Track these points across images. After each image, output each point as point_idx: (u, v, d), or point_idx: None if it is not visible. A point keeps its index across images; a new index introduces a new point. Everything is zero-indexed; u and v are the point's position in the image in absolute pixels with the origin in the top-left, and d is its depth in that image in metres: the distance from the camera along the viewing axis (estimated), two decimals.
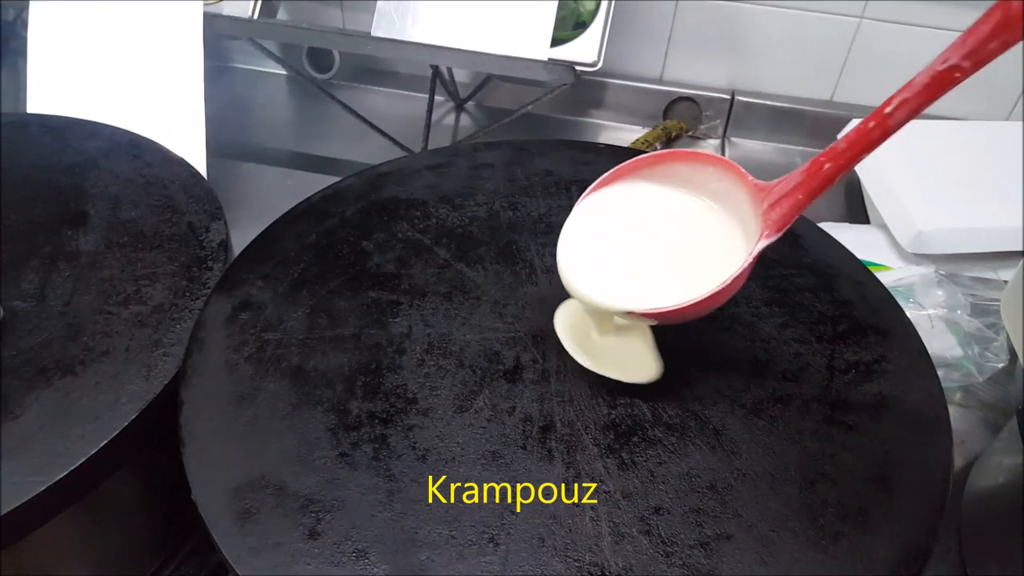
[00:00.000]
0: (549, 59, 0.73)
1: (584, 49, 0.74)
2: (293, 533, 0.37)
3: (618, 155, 0.60)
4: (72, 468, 0.41)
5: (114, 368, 0.46)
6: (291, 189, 0.84)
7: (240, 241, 0.54)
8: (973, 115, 0.91)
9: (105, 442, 0.42)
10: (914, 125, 0.81)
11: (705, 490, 0.39)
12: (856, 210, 0.88)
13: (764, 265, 0.51)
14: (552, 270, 0.50)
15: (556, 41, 0.75)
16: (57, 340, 0.47)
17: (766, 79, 0.96)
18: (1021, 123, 0.87)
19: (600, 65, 0.75)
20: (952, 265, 0.75)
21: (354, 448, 0.40)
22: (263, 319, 0.47)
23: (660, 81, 0.98)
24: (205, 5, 0.73)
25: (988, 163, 0.83)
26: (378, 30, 0.75)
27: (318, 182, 0.89)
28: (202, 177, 0.59)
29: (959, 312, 0.64)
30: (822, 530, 0.37)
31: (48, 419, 0.43)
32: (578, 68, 0.73)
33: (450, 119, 0.99)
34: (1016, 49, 0.31)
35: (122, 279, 0.51)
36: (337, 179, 0.88)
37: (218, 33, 0.78)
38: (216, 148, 0.74)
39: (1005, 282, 0.69)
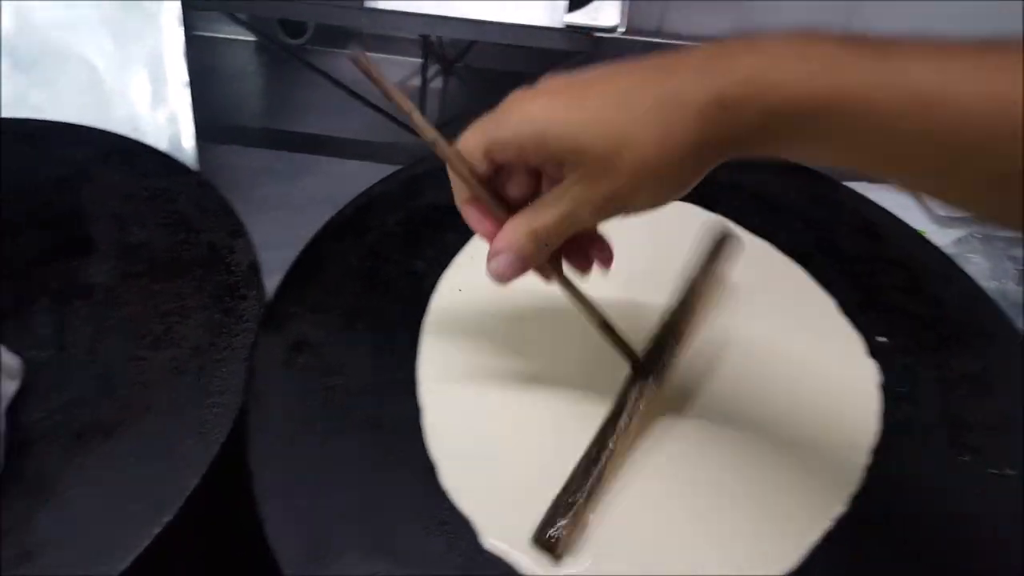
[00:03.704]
0: (567, 25, 0.68)
1: (604, 11, 0.69)
2: None
3: None
4: (138, 553, 0.37)
5: (160, 427, 0.41)
6: (283, 173, 0.78)
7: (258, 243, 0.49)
8: None
9: (168, 520, 0.38)
10: None
11: None
12: None
13: (848, 262, 0.49)
14: None
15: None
16: (89, 396, 0.42)
17: (770, 24, 0.91)
18: None
19: (622, 29, 0.70)
20: (985, 227, 0.74)
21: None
22: (323, 362, 0.43)
23: (658, 34, 0.93)
24: None
25: None
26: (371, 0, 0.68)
27: (310, 165, 0.84)
28: (211, 185, 0.53)
29: (1008, 283, 0.63)
30: None
31: (98, 495, 0.38)
32: (597, 35, 0.68)
33: (437, 83, 0.93)
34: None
35: (147, 316, 0.46)
36: (331, 160, 0.83)
37: (193, 7, 0.70)
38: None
39: None
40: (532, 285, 0.37)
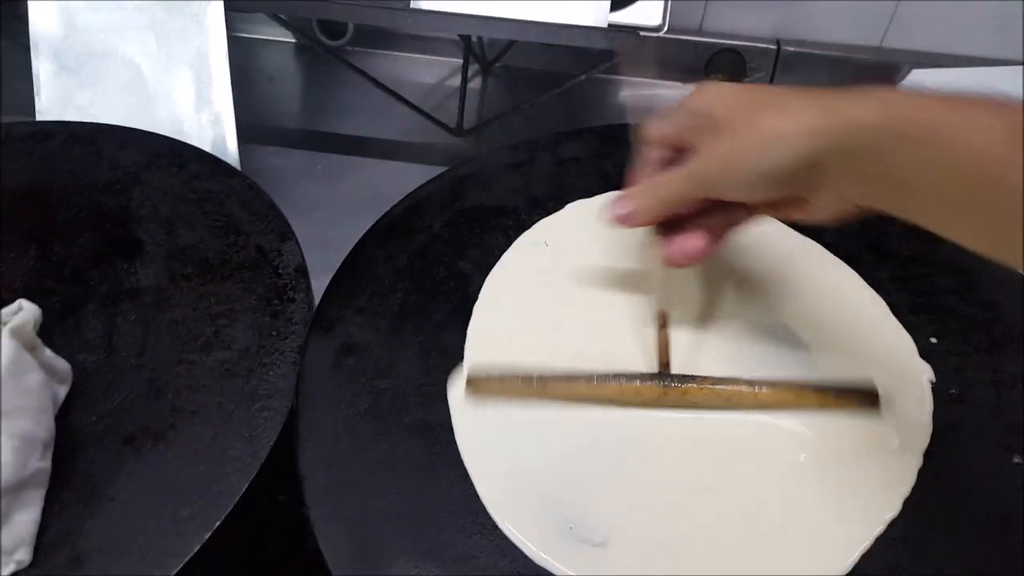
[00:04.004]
0: (610, 24, 0.67)
1: (647, 10, 0.68)
2: None
3: None
4: (188, 559, 0.36)
5: (209, 431, 0.41)
6: (324, 175, 0.78)
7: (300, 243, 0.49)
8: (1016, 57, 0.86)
9: (217, 525, 0.37)
10: (974, 73, 0.77)
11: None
12: None
13: (900, 264, 0.48)
14: None
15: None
16: (138, 400, 0.42)
17: (813, 24, 0.90)
18: None
19: (666, 29, 0.69)
20: None
21: None
22: (372, 364, 0.42)
23: (700, 32, 0.91)
24: None
25: None
26: (418, 0, 0.68)
27: (352, 165, 0.83)
28: (259, 188, 0.53)
29: None
30: None
31: (148, 499, 0.38)
32: (642, 33, 0.67)
33: (476, 83, 0.92)
34: None
35: (196, 319, 0.46)
36: (372, 161, 0.83)
37: (237, 10, 0.70)
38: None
39: None
40: (570, 293, 0.39)
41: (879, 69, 0.89)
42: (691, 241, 0.39)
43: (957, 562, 0.35)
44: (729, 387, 0.40)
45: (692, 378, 0.40)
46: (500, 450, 0.39)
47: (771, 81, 0.91)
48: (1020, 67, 0.84)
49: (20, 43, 0.67)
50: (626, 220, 0.40)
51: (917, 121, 0.31)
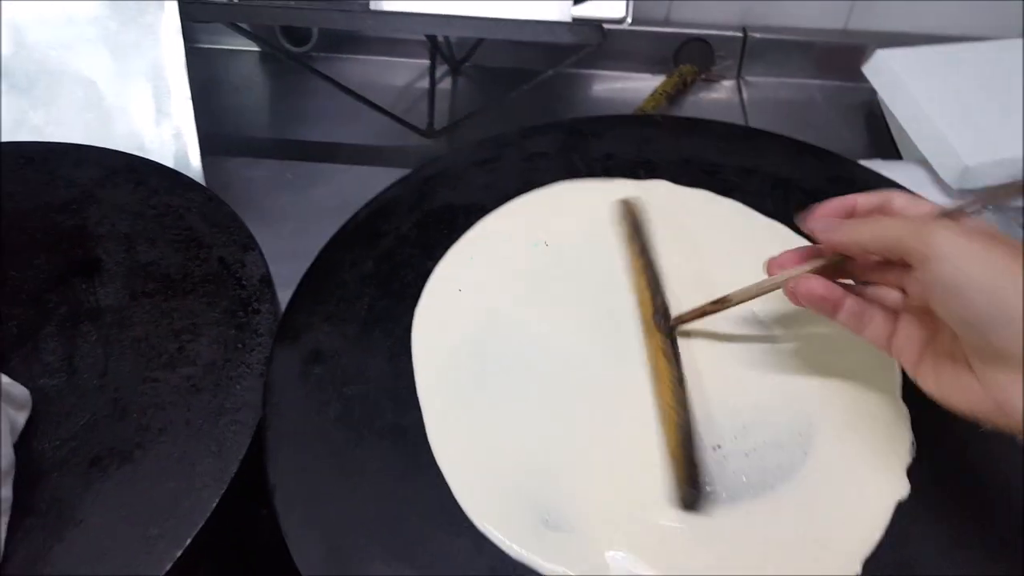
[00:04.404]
0: (574, 19, 0.66)
1: (610, 3, 0.67)
2: None
3: (680, 128, 0.55)
4: None
5: (177, 448, 0.40)
6: (294, 184, 0.77)
7: (267, 261, 0.48)
8: (979, 32, 0.86)
9: (189, 540, 0.36)
10: (939, 51, 0.76)
11: None
12: (880, 143, 0.84)
13: None
14: None
15: None
16: (103, 421, 0.41)
17: (777, 10, 0.90)
18: None
19: (630, 21, 0.68)
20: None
21: None
22: (340, 371, 0.41)
23: (667, 23, 0.91)
24: None
25: (1021, 85, 0.79)
26: (378, 2, 0.67)
27: (322, 173, 0.82)
28: (220, 200, 0.52)
29: None
30: None
31: (116, 520, 0.37)
32: (606, 26, 0.66)
33: (446, 84, 0.91)
34: None
35: (159, 336, 0.45)
36: (341, 168, 0.82)
37: (192, 20, 0.69)
38: (199, 144, 0.66)
39: None
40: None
41: (845, 51, 0.89)
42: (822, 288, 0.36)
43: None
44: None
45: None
46: (473, 449, 0.38)
47: (739, 69, 0.91)
48: (983, 42, 0.84)
49: None
50: (821, 232, 0.36)
51: None
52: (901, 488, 0.36)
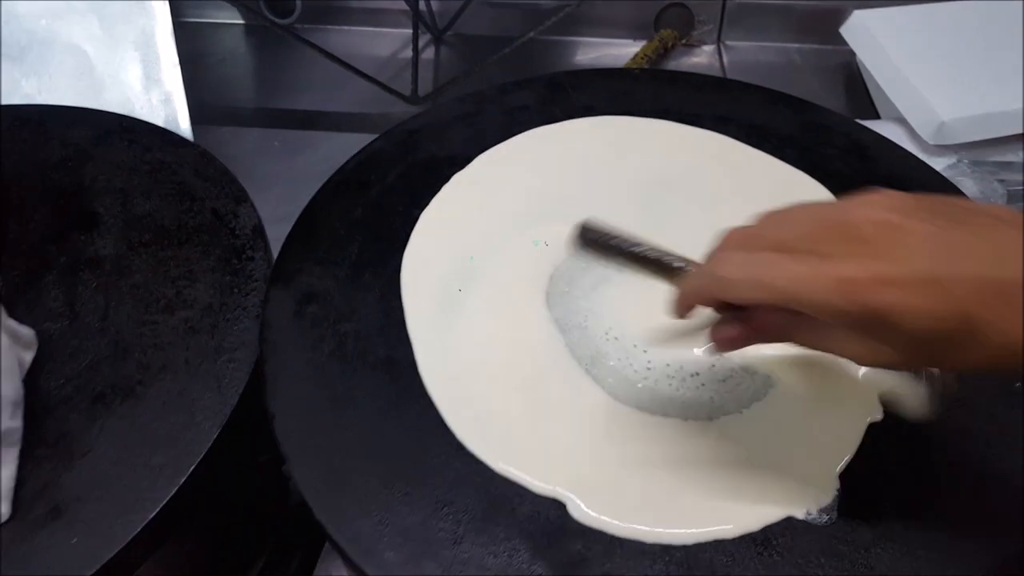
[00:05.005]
0: None
1: None
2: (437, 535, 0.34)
3: (658, 80, 0.57)
4: (165, 502, 0.37)
5: (177, 384, 0.42)
6: (282, 151, 0.78)
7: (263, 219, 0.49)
8: None
9: (193, 467, 0.38)
10: (914, 11, 0.77)
11: None
12: (859, 103, 0.86)
13: (840, 183, 0.49)
14: None
15: None
16: (105, 360, 0.43)
17: None
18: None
19: None
20: (974, 152, 0.74)
21: None
22: (334, 310, 0.43)
23: None
24: None
25: (996, 43, 0.81)
26: None
27: (309, 140, 0.84)
28: (212, 156, 0.54)
29: (998, 203, 0.63)
30: None
31: (122, 451, 0.39)
32: None
33: (429, 53, 0.93)
34: None
35: (157, 282, 0.46)
36: (329, 134, 0.84)
37: None
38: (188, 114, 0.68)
39: None
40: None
41: (823, 14, 0.90)
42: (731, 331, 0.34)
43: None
44: None
45: None
46: (463, 379, 0.40)
47: (719, 33, 0.92)
48: (958, 2, 0.86)
49: None
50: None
51: None
52: (875, 411, 0.38)
